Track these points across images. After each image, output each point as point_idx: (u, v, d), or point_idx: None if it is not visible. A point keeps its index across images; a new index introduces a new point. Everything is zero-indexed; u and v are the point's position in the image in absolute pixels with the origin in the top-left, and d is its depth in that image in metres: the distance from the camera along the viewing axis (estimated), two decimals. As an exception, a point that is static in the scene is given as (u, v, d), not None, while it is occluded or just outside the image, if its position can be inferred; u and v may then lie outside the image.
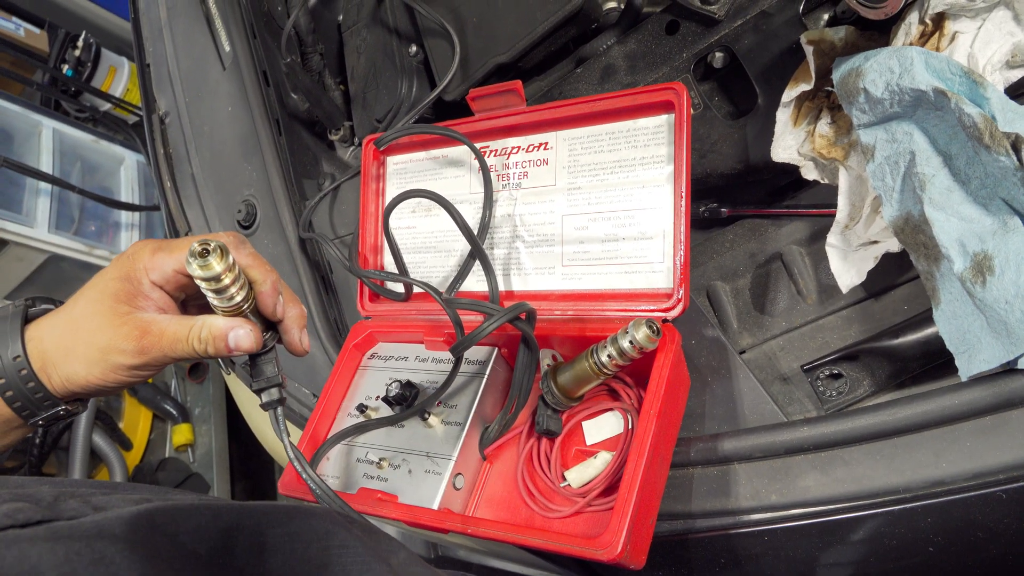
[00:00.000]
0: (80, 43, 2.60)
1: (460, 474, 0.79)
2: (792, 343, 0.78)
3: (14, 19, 2.56)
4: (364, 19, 1.17)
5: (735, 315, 0.82)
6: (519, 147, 0.89)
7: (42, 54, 2.60)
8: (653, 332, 0.69)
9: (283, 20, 1.29)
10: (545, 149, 0.87)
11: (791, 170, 0.77)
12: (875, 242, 0.73)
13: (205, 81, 1.28)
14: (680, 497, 0.73)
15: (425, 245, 0.96)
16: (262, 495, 2.41)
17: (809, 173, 0.75)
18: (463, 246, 0.91)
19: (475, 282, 0.90)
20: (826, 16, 0.79)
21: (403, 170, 0.98)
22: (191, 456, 2.39)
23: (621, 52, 0.89)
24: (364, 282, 0.95)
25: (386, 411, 0.86)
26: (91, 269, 2.32)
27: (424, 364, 0.90)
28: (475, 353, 0.86)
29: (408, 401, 0.84)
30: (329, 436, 0.88)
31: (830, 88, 0.72)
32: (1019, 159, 0.57)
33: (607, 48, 0.91)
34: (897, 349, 0.69)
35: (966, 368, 0.62)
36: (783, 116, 0.74)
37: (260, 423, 1.33)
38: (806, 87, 0.71)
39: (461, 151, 0.93)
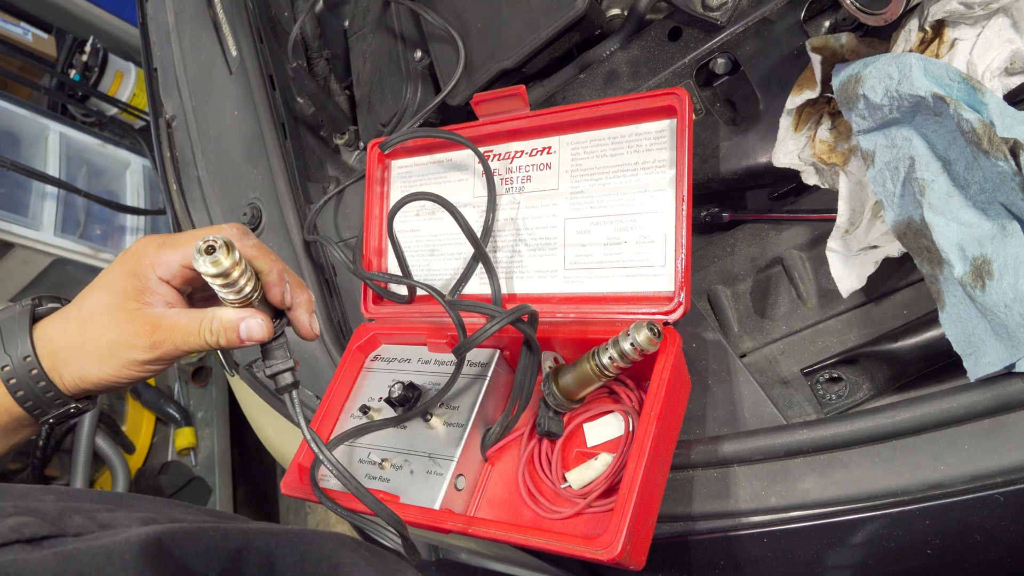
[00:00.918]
0: (87, 48, 2.62)
1: (462, 475, 0.79)
2: (792, 347, 0.78)
3: (22, 24, 2.58)
4: (370, 24, 1.18)
5: (736, 319, 0.82)
6: (522, 151, 0.90)
7: (50, 59, 2.62)
8: (654, 334, 0.70)
9: (289, 25, 1.30)
10: (548, 153, 0.88)
11: (792, 175, 0.78)
12: (875, 247, 0.73)
13: (212, 85, 1.29)
14: (680, 499, 0.73)
15: (428, 248, 0.97)
16: (264, 499, 2.41)
17: (809, 178, 0.76)
18: (466, 249, 0.91)
19: (478, 285, 0.91)
20: (827, 23, 0.80)
21: (407, 174, 0.99)
22: (193, 460, 2.39)
23: (624, 58, 0.90)
24: (368, 284, 0.96)
25: (389, 412, 0.87)
26: (96, 272, 2.31)
27: (427, 366, 0.90)
28: (477, 355, 0.86)
29: (411, 402, 0.85)
30: (332, 437, 0.88)
31: (830, 94, 0.73)
32: (1017, 164, 0.58)
33: (610, 54, 0.92)
34: (896, 353, 0.69)
35: (974, 370, 0.62)
36: (786, 122, 0.74)
37: (264, 425, 1.33)
38: (811, 94, 0.72)
39: (465, 155, 0.94)
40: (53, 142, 2.35)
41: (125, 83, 2.71)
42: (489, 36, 0.97)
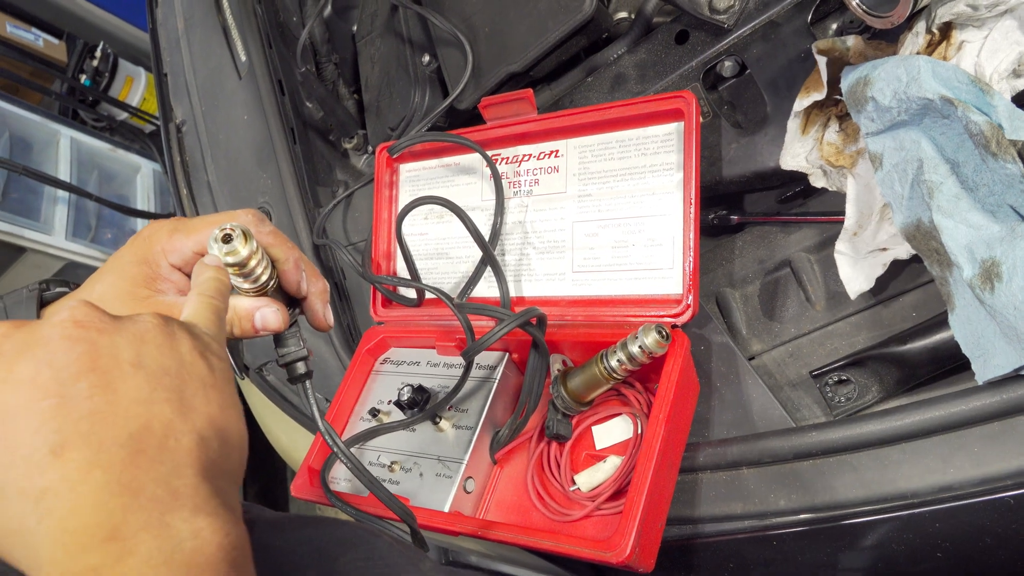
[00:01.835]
0: (98, 53, 2.64)
1: (471, 478, 0.80)
2: (801, 349, 0.78)
3: (33, 30, 2.60)
4: (378, 29, 1.19)
5: (744, 321, 0.82)
6: (530, 154, 0.90)
7: (60, 64, 2.65)
8: (662, 337, 0.70)
9: (298, 30, 1.31)
10: (556, 157, 0.88)
11: (800, 178, 0.78)
12: (884, 249, 0.73)
13: (221, 90, 1.30)
14: (689, 502, 0.73)
15: (437, 251, 0.97)
16: (273, 501, 2.41)
17: (817, 181, 0.76)
18: (474, 252, 0.92)
19: (486, 288, 0.91)
20: (833, 26, 0.80)
21: (416, 177, 1.00)
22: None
23: (631, 61, 0.90)
24: (377, 288, 0.97)
25: (398, 415, 0.87)
26: (107, 276, 2.34)
27: (436, 369, 0.91)
28: (486, 358, 0.87)
29: (420, 405, 0.85)
30: (343, 440, 0.89)
31: (838, 96, 0.73)
32: (1026, 166, 0.58)
33: (617, 57, 0.93)
34: (906, 355, 0.69)
35: (982, 372, 0.62)
36: (793, 125, 0.75)
37: (273, 428, 1.34)
38: (818, 96, 0.72)
39: (473, 159, 0.95)
40: (64, 147, 2.37)
41: (135, 88, 2.73)
42: (496, 40, 0.97)
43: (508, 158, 0.92)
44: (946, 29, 0.67)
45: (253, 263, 0.54)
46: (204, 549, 0.35)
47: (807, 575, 0.71)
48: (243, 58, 1.26)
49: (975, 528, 0.63)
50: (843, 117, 0.75)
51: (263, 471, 2.47)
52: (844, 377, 0.74)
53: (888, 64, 0.67)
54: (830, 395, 0.74)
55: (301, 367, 0.63)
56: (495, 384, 0.84)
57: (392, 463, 0.83)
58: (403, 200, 1.00)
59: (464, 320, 0.80)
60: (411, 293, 0.94)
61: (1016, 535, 0.62)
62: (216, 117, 1.31)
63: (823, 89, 0.71)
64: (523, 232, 0.89)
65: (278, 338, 0.62)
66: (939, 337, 0.68)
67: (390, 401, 0.89)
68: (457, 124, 1.05)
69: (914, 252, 0.69)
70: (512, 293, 0.89)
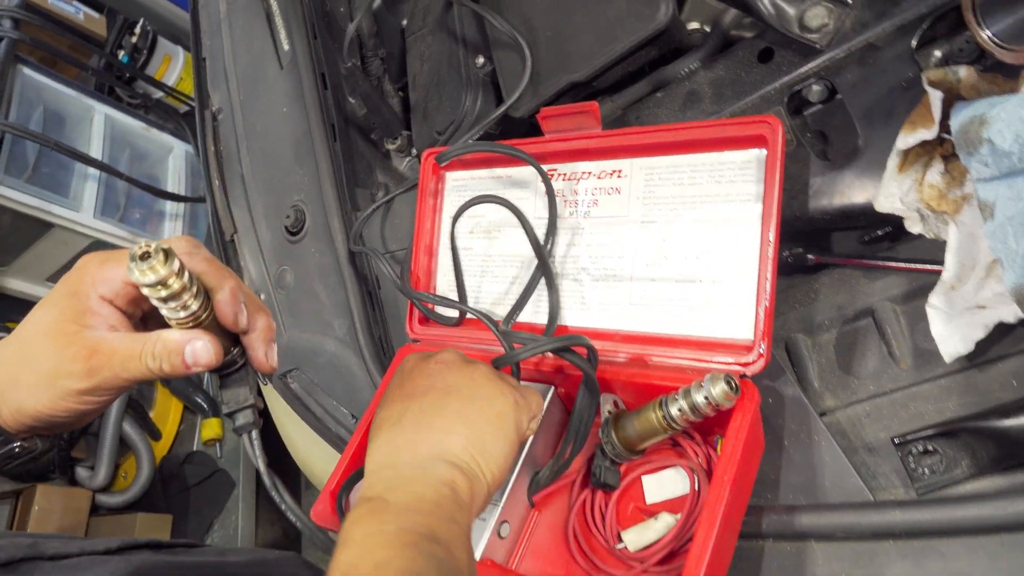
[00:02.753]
0: (137, 30, 2.61)
1: (506, 522, 0.73)
2: (880, 410, 0.71)
3: (75, 2, 2.57)
4: (430, 25, 1.12)
5: (817, 373, 0.75)
6: (590, 172, 0.83)
7: (99, 39, 2.61)
8: (731, 389, 0.63)
9: (345, 21, 1.25)
10: (619, 177, 0.81)
11: (890, 220, 0.71)
12: (982, 307, 0.65)
13: (262, 79, 1.24)
14: (749, 572, 0.66)
15: (480, 269, 0.91)
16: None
17: (913, 226, 0.69)
18: (521, 273, 0.86)
19: (532, 313, 0.84)
20: (937, 52, 0.73)
21: (463, 187, 0.93)
22: (219, 451, 2.37)
23: (707, 78, 0.83)
24: (415, 304, 0.90)
25: (430, 445, 0.81)
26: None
27: (473, 397, 0.84)
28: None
29: (454, 437, 0.79)
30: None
31: (946, 135, 0.66)
32: None
33: (690, 72, 0.86)
34: (1008, 431, 0.62)
35: None
36: (892, 163, 0.67)
37: (292, 434, 1.29)
38: (927, 135, 0.64)
39: (526, 172, 0.88)
40: (98, 123, 2.34)
41: (173, 67, 2.70)
42: (558, 45, 0.91)
43: (565, 174, 0.85)
44: (1082, 68, 0.60)
45: (176, 286, 0.52)
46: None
47: (880, 669, 0.63)
48: (286, 47, 1.20)
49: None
50: (948, 157, 0.68)
51: (278, 467, 2.43)
52: (931, 447, 0.66)
53: (1010, 103, 0.59)
54: (913, 466, 0.66)
55: (248, 416, 0.59)
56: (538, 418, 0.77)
57: (421, 498, 0.77)
58: (448, 210, 0.94)
59: (508, 348, 0.73)
60: (451, 312, 0.87)
61: None
62: (254, 107, 1.25)
63: (933, 127, 0.64)
64: (577, 256, 0.83)
65: (222, 381, 0.59)
66: (1049, 414, 0.61)
67: (422, 428, 0.82)
68: (509, 132, 0.98)
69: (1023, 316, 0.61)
70: (560, 322, 0.82)
